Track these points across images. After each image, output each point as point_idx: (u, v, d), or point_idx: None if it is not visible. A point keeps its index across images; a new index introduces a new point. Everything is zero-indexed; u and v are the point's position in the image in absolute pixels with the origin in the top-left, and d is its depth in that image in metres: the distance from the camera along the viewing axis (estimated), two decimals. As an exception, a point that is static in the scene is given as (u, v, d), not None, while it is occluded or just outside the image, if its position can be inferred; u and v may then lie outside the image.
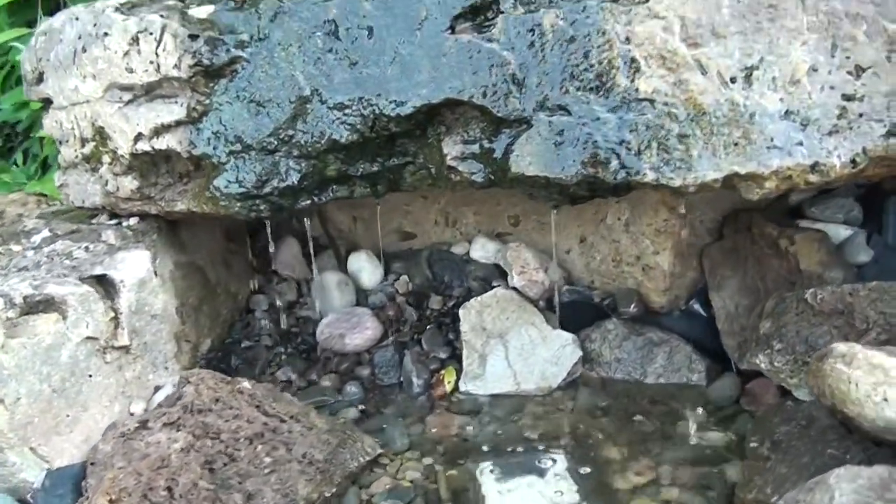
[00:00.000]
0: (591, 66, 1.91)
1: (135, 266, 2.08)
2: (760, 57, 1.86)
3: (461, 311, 2.53)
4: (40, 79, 2.25)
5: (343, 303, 2.76)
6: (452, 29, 2.00)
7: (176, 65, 2.08)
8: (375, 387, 2.56)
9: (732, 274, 2.35)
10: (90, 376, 1.91)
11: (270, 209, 2.14)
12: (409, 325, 2.73)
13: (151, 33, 2.09)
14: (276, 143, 2.10)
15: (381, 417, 2.39)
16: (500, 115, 1.98)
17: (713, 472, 2.00)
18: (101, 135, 2.21)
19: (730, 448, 2.08)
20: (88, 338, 1.90)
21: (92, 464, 1.71)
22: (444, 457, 2.18)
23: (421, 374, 2.55)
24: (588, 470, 2.07)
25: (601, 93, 1.91)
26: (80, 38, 2.18)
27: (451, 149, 2.05)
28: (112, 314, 1.97)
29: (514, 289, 2.57)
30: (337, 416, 2.37)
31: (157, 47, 2.09)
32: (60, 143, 2.28)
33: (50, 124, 2.27)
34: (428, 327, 2.68)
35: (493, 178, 2.01)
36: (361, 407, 2.43)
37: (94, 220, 2.30)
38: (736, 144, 1.84)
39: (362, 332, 2.62)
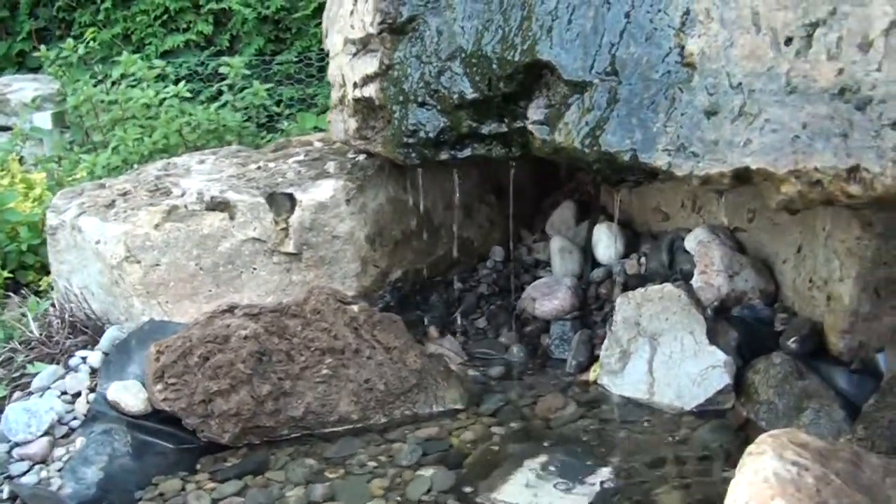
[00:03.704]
0: (648, 20, 1.58)
1: (319, 192, 2.48)
2: (832, 7, 1.30)
3: (619, 300, 2.30)
4: (327, 33, 2.78)
5: (563, 269, 2.72)
6: None
7: (371, 22, 2.37)
8: (544, 356, 2.51)
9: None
10: (254, 269, 2.41)
11: (418, 157, 2.31)
12: (611, 306, 2.56)
13: (364, -6, 2.42)
14: (425, 96, 2.25)
15: (511, 382, 2.37)
16: (566, 77, 1.79)
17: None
18: (344, 81, 2.64)
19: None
20: (255, 239, 2.39)
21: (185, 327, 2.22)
22: (514, 433, 2.10)
23: (579, 355, 2.41)
24: (616, 498, 1.79)
25: (650, 56, 1.58)
26: (341, -2, 2.63)
27: (534, 112, 1.93)
28: (284, 225, 2.43)
29: (690, 287, 2.20)
30: (484, 369, 2.45)
31: (363, 5, 2.41)
32: (332, 86, 2.78)
33: (329, 71, 2.79)
34: (625, 313, 2.48)
35: (552, 146, 1.84)
36: (509, 369, 2.45)
37: (347, 154, 2.77)
38: (761, 129, 1.35)
39: (551, 300, 2.57)
